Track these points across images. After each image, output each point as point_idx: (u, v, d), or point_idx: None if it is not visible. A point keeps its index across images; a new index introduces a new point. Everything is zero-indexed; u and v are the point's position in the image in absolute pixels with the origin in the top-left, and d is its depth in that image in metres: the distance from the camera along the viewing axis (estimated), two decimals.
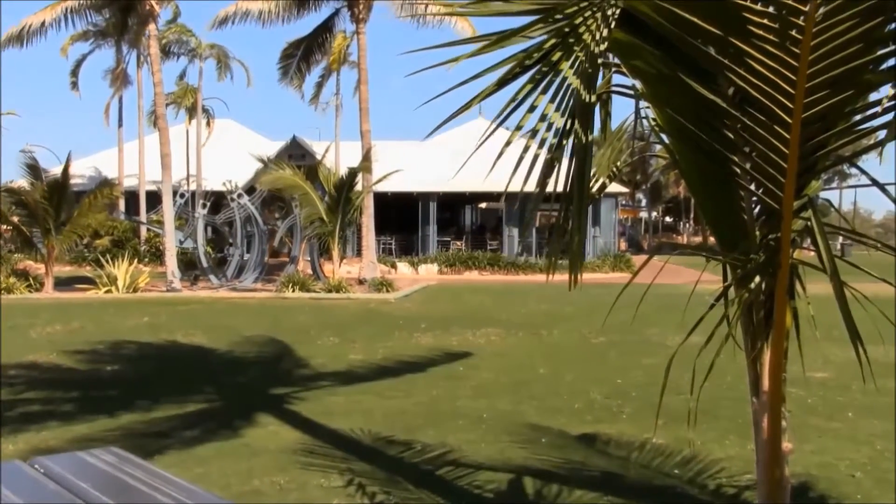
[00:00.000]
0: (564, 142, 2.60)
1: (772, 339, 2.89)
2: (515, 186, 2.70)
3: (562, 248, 2.95)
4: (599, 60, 2.54)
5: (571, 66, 2.53)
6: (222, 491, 5.34)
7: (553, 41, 2.54)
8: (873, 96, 2.64)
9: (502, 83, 2.57)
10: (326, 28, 28.45)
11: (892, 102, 2.46)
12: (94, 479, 2.31)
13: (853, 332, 2.69)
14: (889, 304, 2.73)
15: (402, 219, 37.71)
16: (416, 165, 34.84)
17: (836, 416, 7.63)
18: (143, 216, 34.97)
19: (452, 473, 5.87)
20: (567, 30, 2.51)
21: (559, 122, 2.57)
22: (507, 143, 2.50)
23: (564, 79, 2.53)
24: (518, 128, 2.61)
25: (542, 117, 2.57)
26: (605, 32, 2.48)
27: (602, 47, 2.50)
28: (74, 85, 41.84)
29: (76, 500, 2.13)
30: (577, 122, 2.55)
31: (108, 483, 2.31)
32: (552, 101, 2.56)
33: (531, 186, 2.74)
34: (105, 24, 35.16)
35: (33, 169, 22.66)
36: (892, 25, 2.36)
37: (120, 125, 40.81)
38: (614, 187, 35.68)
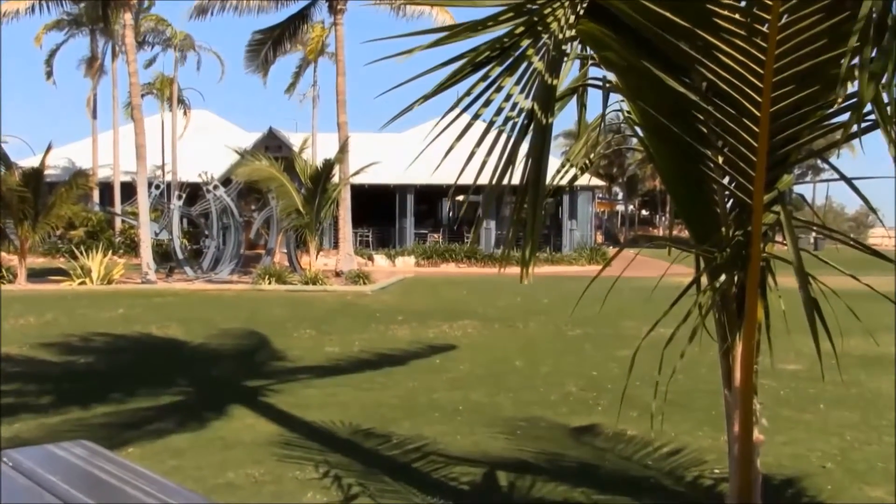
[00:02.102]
0: (529, 122, 2.61)
1: (743, 332, 2.91)
2: (483, 179, 2.71)
3: (517, 239, 2.95)
4: (566, 47, 2.55)
5: (538, 53, 2.54)
6: (196, 483, 5.32)
7: (522, 28, 2.55)
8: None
9: (474, 68, 2.58)
10: (301, 17, 28.25)
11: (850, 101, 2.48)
12: (64, 472, 2.29)
13: (814, 325, 2.72)
14: (858, 298, 2.75)
15: (380, 211, 37.60)
16: (394, 157, 34.79)
17: (808, 408, 7.71)
18: (117, 207, 34.63)
19: (428, 465, 5.88)
20: (536, 19, 2.52)
21: (524, 103, 2.58)
22: (466, 129, 2.51)
23: (531, 64, 2.54)
24: (476, 116, 2.62)
25: (508, 97, 2.59)
26: (571, 19, 2.49)
27: (570, 33, 2.51)
28: (49, 75, 41.39)
29: (45, 493, 2.11)
30: (537, 104, 2.56)
31: (78, 476, 2.29)
32: (517, 83, 2.58)
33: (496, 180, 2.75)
34: (80, 12, 34.88)
35: (3, 158, 22.36)
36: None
37: (94, 115, 40.40)
38: (592, 180, 35.82)
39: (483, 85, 2.61)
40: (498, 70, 2.59)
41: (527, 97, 2.58)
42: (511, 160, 2.64)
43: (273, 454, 6.03)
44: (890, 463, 5.95)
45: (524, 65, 2.57)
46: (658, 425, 6.50)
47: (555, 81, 2.54)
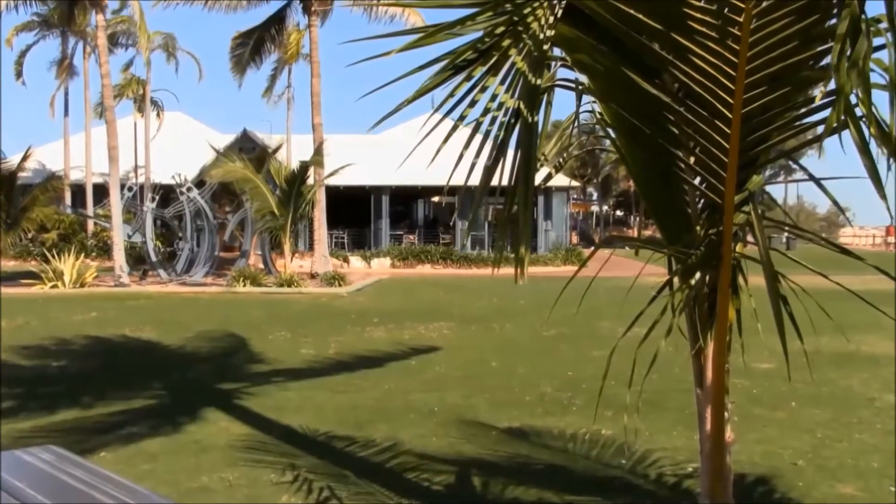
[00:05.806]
0: (513, 121, 2.61)
1: (715, 332, 2.92)
2: (461, 180, 2.70)
3: (508, 241, 2.96)
4: (546, 46, 2.56)
5: (519, 53, 2.55)
6: (170, 487, 5.28)
7: (502, 28, 2.55)
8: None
9: (455, 70, 2.58)
10: (279, 19, 28.14)
11: (827, 99, 2.50)
12: (31, 477, 2.25)
13: (781, 324, 2.74)
14: (830, 297, 2.78)
15: (355, 213, 37.53)
16: (369, 159, 34.73)
17: (780, 406, 7.77)
18: (90, 210, 34.28)
19: (402, 467, 5.87)
20: (516, 18, 2.52)
21: (509, 102, 2.59)
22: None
23: (513, 64, 2.55)
24: (461, 117, 2.62)
25: (493, 97, 2.59)
26: (551, 19, 2.49)
27: (550, 33, 2.52)
28: (19, 75, 40.91)
29: (11, 499, 2.07)
30: (522, 104, 2.56)
31: (46, 482, 2.26)
32: (502, 83, 2.58)
33: (481, 179, 2.75)
34: (50, 13, 34.51)
35: None
36: (828, 23, 2.40)
37: (66, 116, 39.99)
38: (566, 181, 36.00)
39: (466, 86, 2.61)
40: (481, 70, 2.59)
41: (512, 96, 2.59)
42: (497, 161, 2.65)
43: (248, 458, 5.99)
44: (860, 460, 6.02)
45: (507, 64, 2.58)
46: (633, 425, 6.53)
47: (538, 80, 2.54)
